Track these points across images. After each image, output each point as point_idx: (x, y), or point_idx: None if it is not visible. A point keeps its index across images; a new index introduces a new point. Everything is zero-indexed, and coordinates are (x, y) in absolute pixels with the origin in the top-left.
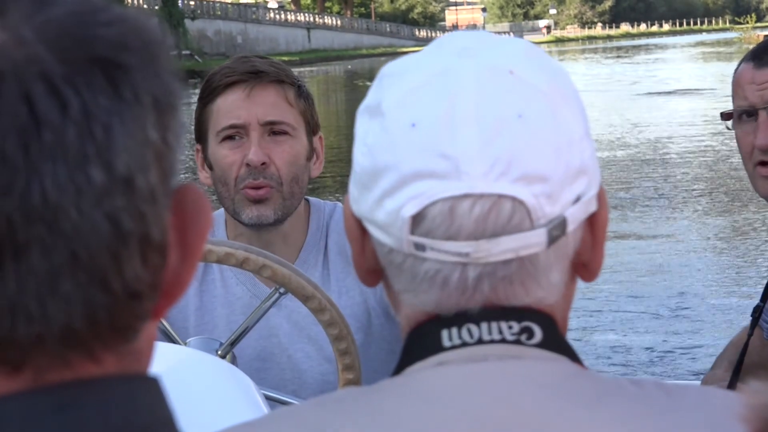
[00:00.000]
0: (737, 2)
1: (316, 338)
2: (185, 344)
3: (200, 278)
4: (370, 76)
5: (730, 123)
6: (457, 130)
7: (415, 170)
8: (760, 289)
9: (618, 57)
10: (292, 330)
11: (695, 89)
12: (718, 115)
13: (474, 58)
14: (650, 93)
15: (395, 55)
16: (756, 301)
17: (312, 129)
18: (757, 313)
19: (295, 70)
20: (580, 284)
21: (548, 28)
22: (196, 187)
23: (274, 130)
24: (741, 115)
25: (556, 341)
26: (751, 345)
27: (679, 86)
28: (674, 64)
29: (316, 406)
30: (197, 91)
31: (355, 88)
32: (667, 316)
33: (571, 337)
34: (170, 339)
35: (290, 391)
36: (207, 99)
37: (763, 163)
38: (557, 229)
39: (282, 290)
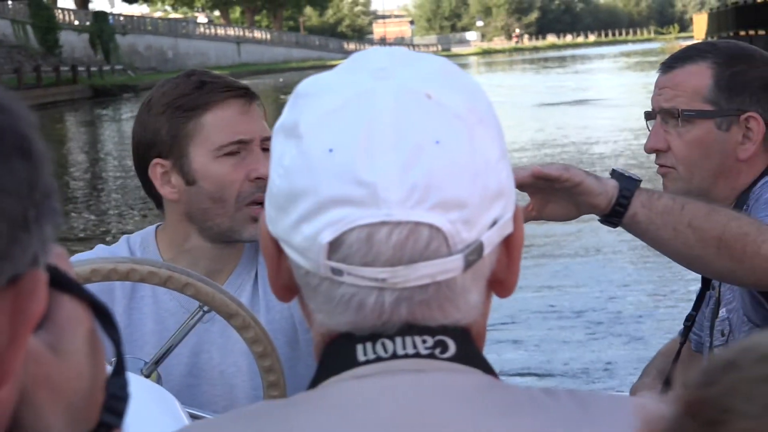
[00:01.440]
0: (661, 13)
1: (249, 351)
2: (109, 364)
3: (129, 295)
4: None
5: (650, 123)
6: (375, 157)
7: (332, 196)
8: (687, 296)
9: (545, 68)
10: (225, 344)
11: (617, 99)
12: (637, 123)
13: (390, 80)
14: (574, 102)
15: (324, 68)
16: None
17: None
18: (689, 321)
19: None
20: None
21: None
22: (36, 277)
23: (264, 146)
24: (648, 119)
25: (469, 354)
26: (681, 356)
27: (602, 96)
28: (599, 74)
29: (230, 420)
30: (132, 104)
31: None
32: (594, 329)
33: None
34: None
35: (221, 407)
36: (189, 113)
37: (657, 164)
38: (474, 254)
39: (206, 308)
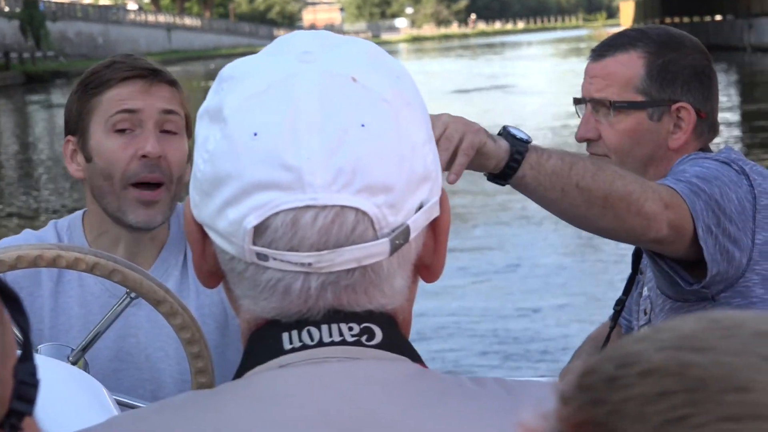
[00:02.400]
0: (589, 0)
1: (176, 337)
2: (36, 351)
3: (56, 279)
4: None
5: (578, 108)
6: (300, 141)
7: (257, 180)
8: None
9: (474, 55)
10: (152, 329)
11: (544, 84)
12: (562, 108)
13: (315, 64)
14: (496, 87)
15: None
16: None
17: (189, 134)
18: (619, 306)
19: None
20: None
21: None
22: None
23: (165, 128)
24: (578, 105)
25: (396, 342)
26: (611, 340)
27: (530, 82)
28: (528, 61)
29: (156, 411)
30: (64, 90)
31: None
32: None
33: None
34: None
35: (148, 391)
36: (94, 90)
37: (588, 152)
38: (400, 237)
39: (133, 295)
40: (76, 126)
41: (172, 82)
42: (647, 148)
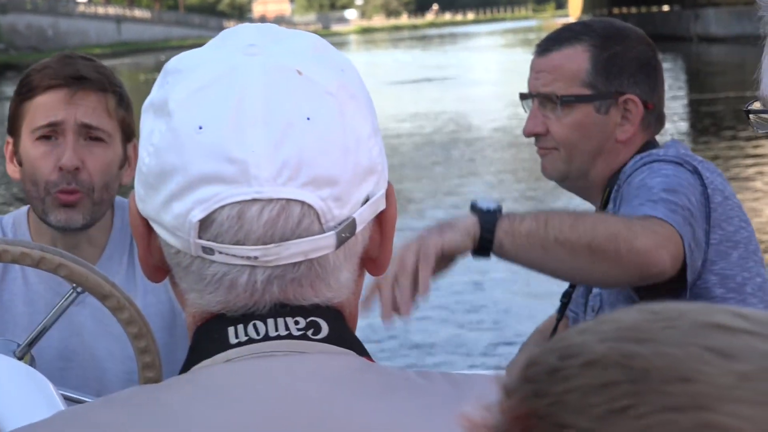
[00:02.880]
0: None
1: (120, 336)
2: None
3: (0, 277)
4: None
5: (524, 103)
6: (245, 134)
7: (202, 174)
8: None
9: (425, 46)
10: (96, 328)
11: (493, 75)
12: (514, 98)
13: (260, 56)
14: (450, 78)
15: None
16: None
17: (128, 137)
18: (566, 298)
19: (107, 62)
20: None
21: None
22: None
23: (90, 135)
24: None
25: (342, 336)
26: (558, 332)
27: (480, 72)
28: (478, 52)
29: (102, 405)
30: (14, 83)
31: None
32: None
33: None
34: None
35: (93, 390)
36: (25, 95)
37: (537, 146)
38: (346, 231)
39: (79, 289)
40: (12, 128)
41: (102, 89)
42: (595, 141)
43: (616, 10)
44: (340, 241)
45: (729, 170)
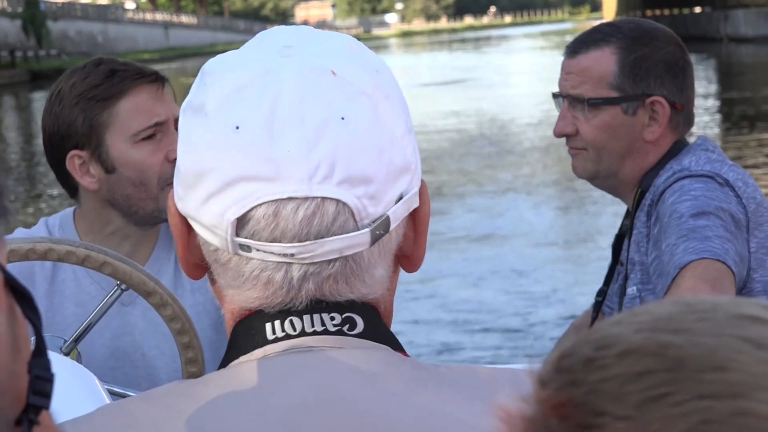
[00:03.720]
0: None
1: (170, 334)
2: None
3: (50, 279)
4: None
5: (556, 103)
6: (280, 134)
7: (239, 173)
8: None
9: (463, 49)
10: (147, 327)
11: (539, 76)
12: (546, 98)
13: (295, 57)
14: (500, 82)
15: None
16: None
17: None
18: (601, 296)
19: (156, 67)
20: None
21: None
22: None
23: (176, 126)
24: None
25: (377, 331)
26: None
27: (524, 75)
28: (514, 54)
29: (141, 400)
30: None
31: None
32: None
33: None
34: None
35: (144, 387)
36: (102, 104)
37: (568, 146)
38: (380, 228)
39: (123, 286)
40: (87, 140)
41: (167, 80)
42: (624, 142)
43: (649, 12)
44: (375, 239)
45: (758, 168)
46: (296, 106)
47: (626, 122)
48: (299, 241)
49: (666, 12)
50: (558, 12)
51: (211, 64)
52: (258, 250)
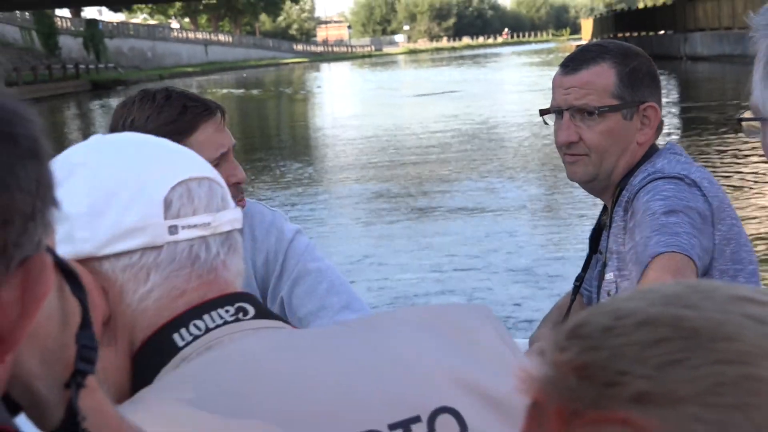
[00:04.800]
0: (558, 18)
1: None
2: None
3: None
4: (258, 83)
5: (546, 118)
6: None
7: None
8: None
9: (462, 64)
10: None
11: (527, 88)
12: (532, 106)
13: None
14: (494, 93)
15: (278, 65)
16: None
17: None
18: (578, 281)
19: (197, 79)
20: (437, 251)
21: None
22: (42, 258)
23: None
24: (555, 114)
25: (266, 313)
26: (573, 309)
27: (512, 87)
28: (506, 69)
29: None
30: (122, 95)
31: (251, 95)
32: (501, 278)
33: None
34: None
35: None
36: (181, 136)
37: (566, 153)
38: None
39: None
40: None
41: (225, 112)
42: (622, 144)
43: (620, 34)
44: None
45: (711, 164)
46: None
47: (625, 127)
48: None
49: (635, 34)
50: (543, 34)
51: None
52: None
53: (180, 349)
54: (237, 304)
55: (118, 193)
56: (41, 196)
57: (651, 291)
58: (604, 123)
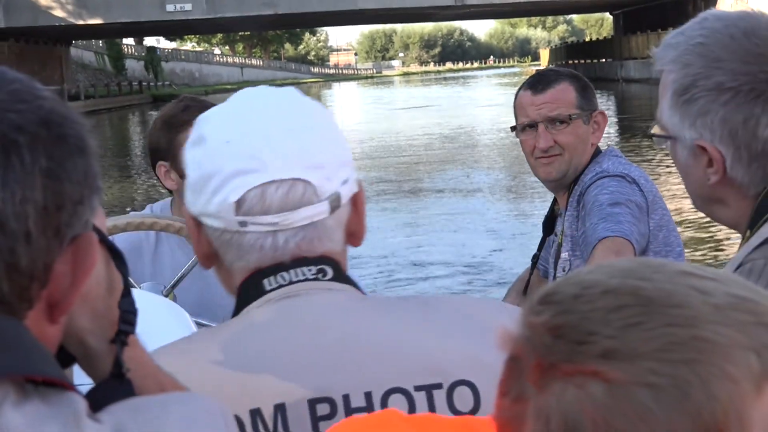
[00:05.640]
0: (522, 48)
1: None
2: (140, 287)
3: (153, 251)
4: None
5: (515, 133)
6: (259, 139)
7: (233, 170)
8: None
9: (446, 84)
10: (221, 285)
11: (495, 103)
12: (508, 122)
13: (262, 96)
14: (470, 106)
15: (299, 84)
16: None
17: None
18: (535, 259)
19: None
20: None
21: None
22: (89, 236)
23: None
24: (524, 128)
25: (343, 277)
26: (531, 281)
27: (484, 101)
28: (481, 87)
29: (184, 344)
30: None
31: None
32: (475, 264)
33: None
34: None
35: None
36: (178, 129)
37: (541, 157)
38: (334, 201)
39: None
40: (167, 154)
41: None
42: (584, 143)
43: (570, 61)
44: (332, 209)
45: (640, 161)
46: (269, 121)
47: (585, 130)
48: (281, 212)
49: (582, 61)
50: (509, 60)
51: (204, 114)
52: (252, 223)
53: (266, 292)
54: (319, 266)
55: (211, 179)
56: (88, 185)
57: (610, 266)
58: (572, 127)
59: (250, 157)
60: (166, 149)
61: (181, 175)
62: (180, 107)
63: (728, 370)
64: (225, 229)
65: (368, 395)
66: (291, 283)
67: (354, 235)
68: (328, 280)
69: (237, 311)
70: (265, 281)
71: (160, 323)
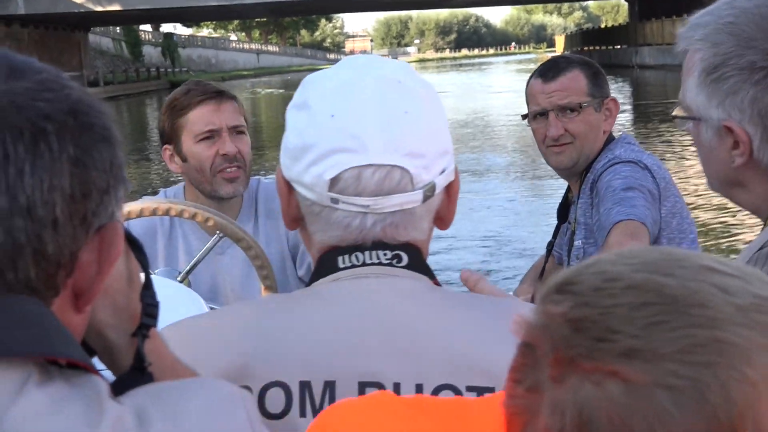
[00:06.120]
0: (537, 35)
1: (250, 274)
2: (154, 273)
3: (167, 235)
4: (299, 84)
5: (526, 121)
6: (363, 120)
7: (333, 147)
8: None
9: (461, 71)
10: (233, 270)
11: (510, 90)
12: (523, 107)
13: (372, 71)
14: (484, 92)
15: (314, 70)
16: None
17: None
18: (550, 246)
19: (251, 81)
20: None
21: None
22: (115, 226)
23: (237, 130)
24: (535, 116)
25: (419, 265)
26: (546, 268)
27: (500, 88)
28: (497, 73)
29: (248, 305)
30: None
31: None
32: (491, 246)
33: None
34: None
35: None
36: (179, 113)
37: (552, 145)
38: (429, 191)
39: (221, 234)
40: (170, 138)
41: (232, 98)
42: (595, 131)
43: (586, 48)
44: (425, 198)
45: (654, 149)
46: (374, 103)
47: (596, 118)
48: (374, 196)
49: (597, 47)
50: (526, 47)
51: (311, 76)
52: (344, 202)
53: (339, 269)
54: (395, 252)
55: (310, 150)
56: (114, 174)
57: (632, 256)
58: (583, 115)
59: (352, 137)
60: (169, 133)
61: (183, 159)
62: (183, 91)
63: (747, 373)
64: (316, 202)
65: (419, 387)
66: (364, 264)
67: (442, 219)
68: (402, 267)
69: (310, 282)
70: (340, 258)
71: (177, 310)
